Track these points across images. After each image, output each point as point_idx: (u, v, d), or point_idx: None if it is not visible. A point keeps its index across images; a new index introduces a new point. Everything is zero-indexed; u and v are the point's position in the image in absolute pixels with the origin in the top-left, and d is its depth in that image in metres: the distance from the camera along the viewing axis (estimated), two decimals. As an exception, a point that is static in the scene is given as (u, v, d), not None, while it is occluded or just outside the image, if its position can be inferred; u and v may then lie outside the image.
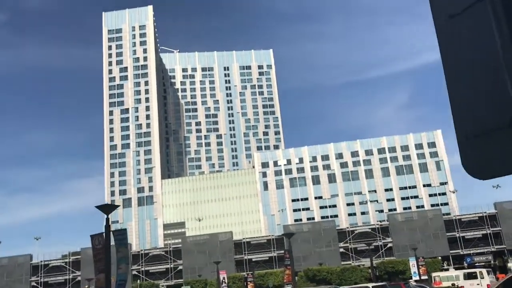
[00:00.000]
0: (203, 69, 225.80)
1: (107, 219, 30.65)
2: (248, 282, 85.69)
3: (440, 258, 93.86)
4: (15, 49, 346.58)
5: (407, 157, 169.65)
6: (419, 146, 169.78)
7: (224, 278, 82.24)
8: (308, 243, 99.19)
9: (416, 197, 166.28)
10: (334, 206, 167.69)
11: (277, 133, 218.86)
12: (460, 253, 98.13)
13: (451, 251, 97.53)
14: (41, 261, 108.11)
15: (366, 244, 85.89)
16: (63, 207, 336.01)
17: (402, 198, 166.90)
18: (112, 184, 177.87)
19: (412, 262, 78.44)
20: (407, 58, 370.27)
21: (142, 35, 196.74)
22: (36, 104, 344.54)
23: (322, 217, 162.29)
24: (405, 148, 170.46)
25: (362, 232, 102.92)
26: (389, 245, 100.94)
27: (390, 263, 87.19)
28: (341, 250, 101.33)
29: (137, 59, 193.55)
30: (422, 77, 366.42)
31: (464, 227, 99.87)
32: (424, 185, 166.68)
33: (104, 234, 30.98)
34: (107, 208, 30.52)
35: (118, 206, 30.40)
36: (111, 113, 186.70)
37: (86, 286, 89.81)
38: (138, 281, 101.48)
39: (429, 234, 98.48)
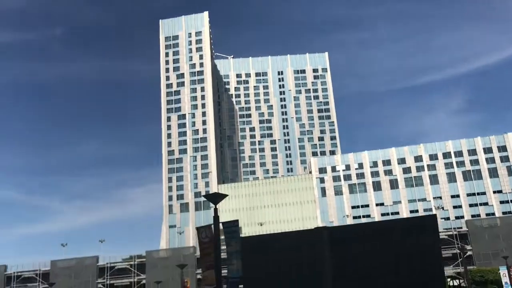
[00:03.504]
0: (257, 74, 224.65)
1: (215, 210, 28.01)
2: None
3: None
4: (71, 63, 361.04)
5: (475, 162, 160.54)
6: (488, 150, 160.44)
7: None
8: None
9: (485, 204, 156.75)
10: (397, 213, 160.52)
11: (333, 138, 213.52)
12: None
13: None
14: (107, 263, 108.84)
15: (447, 251, 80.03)
16: (117, 213, 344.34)
17: (470, 205, 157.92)
18: (170, 189, 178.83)
19: (503, 272, 71.99)
20: (462, 62, 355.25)
21: (198, 41, 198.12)
22: (94, 115, 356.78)
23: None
24: (472, 152, 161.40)
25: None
26: (469, 253, 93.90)
27: (478, 272, 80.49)
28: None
29: (193, 65, 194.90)
30: (479, 81, 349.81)
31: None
32: (494, 192, 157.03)
33: (212, 226, 28.34)
34: (215, 198, 28.04)
35: (226, 195, 27.90)
36: (168, 119, 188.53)
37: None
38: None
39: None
